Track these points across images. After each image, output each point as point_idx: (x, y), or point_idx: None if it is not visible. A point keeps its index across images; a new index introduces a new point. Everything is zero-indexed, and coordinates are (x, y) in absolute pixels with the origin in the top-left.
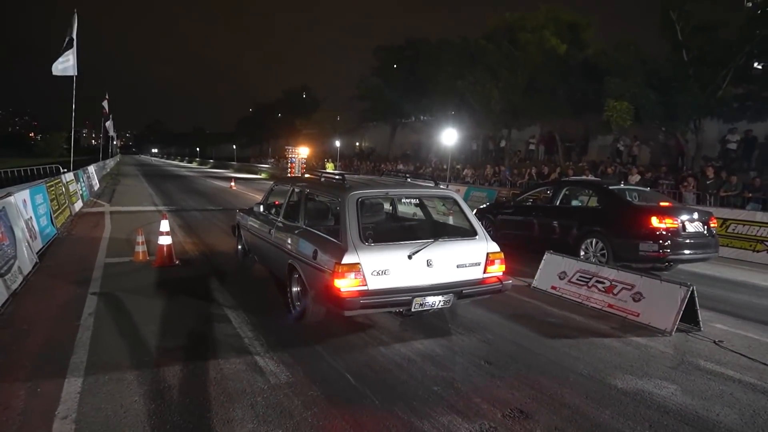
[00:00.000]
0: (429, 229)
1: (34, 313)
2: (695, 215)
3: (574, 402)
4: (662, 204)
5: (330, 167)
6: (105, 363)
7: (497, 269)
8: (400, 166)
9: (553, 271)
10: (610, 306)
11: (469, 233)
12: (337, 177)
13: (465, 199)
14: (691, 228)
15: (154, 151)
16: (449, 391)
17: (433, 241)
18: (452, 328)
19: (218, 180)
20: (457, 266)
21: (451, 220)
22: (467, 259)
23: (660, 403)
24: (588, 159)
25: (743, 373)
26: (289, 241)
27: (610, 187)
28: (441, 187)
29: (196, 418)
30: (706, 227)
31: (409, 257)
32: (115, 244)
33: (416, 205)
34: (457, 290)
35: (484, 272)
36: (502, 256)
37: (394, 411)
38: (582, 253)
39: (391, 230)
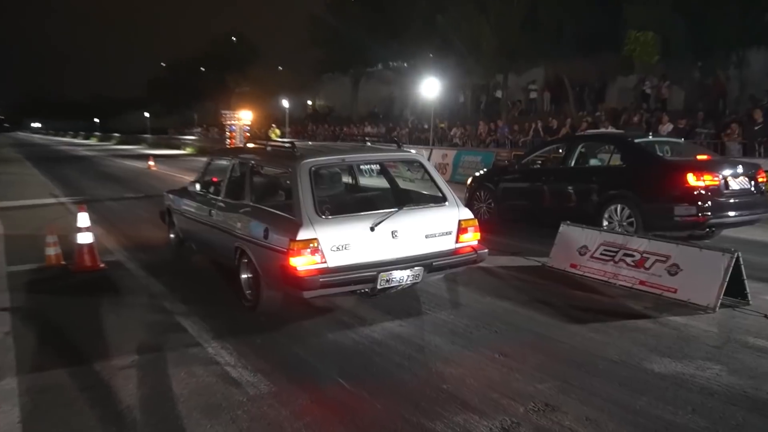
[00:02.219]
0: (394, 198)
1: None
2: (740, 169)
3: (606, 390)
4: (699, 158)
5: (275, 135)
6: (43, 387)
7: (471, 238)
8: (368, 129)
9: (571, 246)
10: (641, 283)
11: (438, 200)
12: (286, 145)
13: (456, 165)
14: (734, 185)
15: (36, 125)
16: (461, 389)
17: (398, 210)
18: (456, 320)
19: (131, 159)
20: (426, 236)
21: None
22: (437, 229)
23: (703, 384)
24: (606, 107)
25: None
26: (235, 222)
27: (636, 141)
28: (405, 149)
29: None
30: (753, 183)
31: (372, 229)
32: (16, 248)
33: (379, 172)
34: (426, 263)
35: (457, 242)
36: (476, 223)
37: (400, 413)
38: (605, 222)
39: (351, 201)
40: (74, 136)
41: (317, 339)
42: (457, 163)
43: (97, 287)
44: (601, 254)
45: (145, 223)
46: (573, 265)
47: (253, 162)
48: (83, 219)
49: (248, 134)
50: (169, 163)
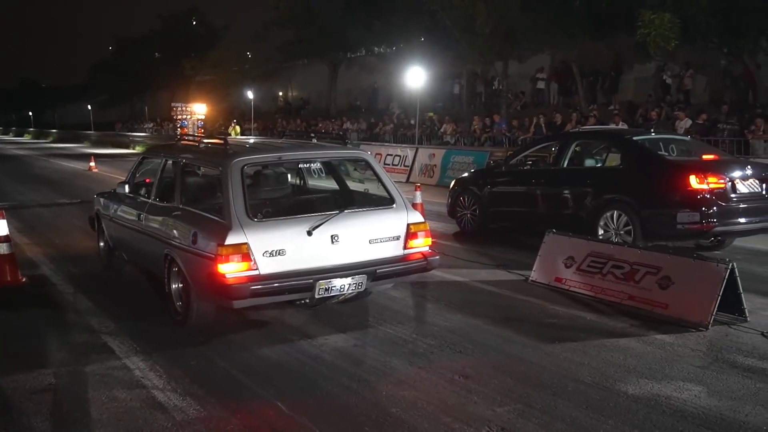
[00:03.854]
0: (338, 201)
1: None
2: (749, 171)
3: (571, 414)
4: (705, 158)
5: (235, 133)
6: None
7: (421, 243)
8: (347, 125)
9: (556, 257)
10: (631, 298)
11: (385, 202)
12: (218, 141)
13: (445, 166)
14: (743, 188)
15: None
16: (411, 412)
17: (338, 213)
18: (418, 339)
19: (70, 159)
20: (370, 242)
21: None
22: (382, 233)
23: (678, 407)
24: (622, 99)
25: None
26: (164, 227)
27: (635, 138)
28: (349, 147)
29: None
30: (765, 186)
31: (309, 233)
32: None
33: (327, 172)
34: (369, 270)
35: (405, 247)
36: (427, 228)
37: None
38: (601, 231)
39: (292, 204)
40: (4, 132)
41: (259, 360)
42: (446, 164)
43: (16, 304)
44: (589, 266)
45: (77, 232)
46: (558, 279)
47: (184, 160)
48: (1, 226)
49: (202, 130)
50: (113, 163)
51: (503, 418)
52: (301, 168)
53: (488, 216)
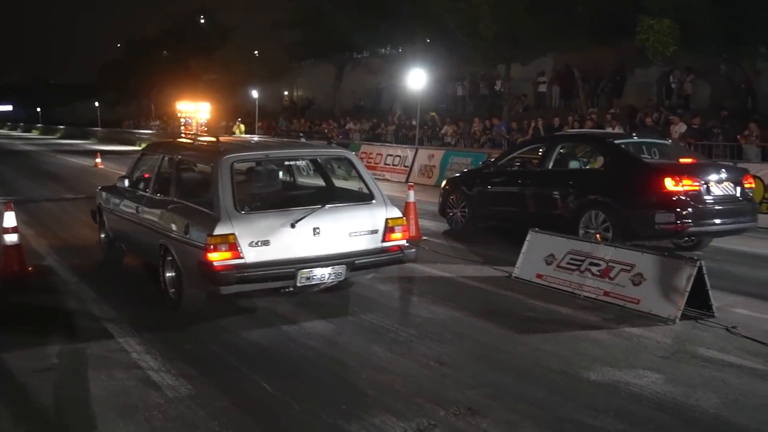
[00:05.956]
0: (323, 196)
1: None
2: (723, 174)
3: (536, 396)
4: (682, 161)
5: (239, 132)
6: None
7: (399, 237)
8: (350, 126)
9: (539, 254)
10: (606, 293)
11: (365, 198)
12: (212, 139)
13: (444, 167)
14: (717, 190)
15: None
16: (386, 394)
17: (320, 207)
18: (400, 329)
19: (76, 156)
20: (350, 235)
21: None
22: (362, 227)
23: (635, 392)
24: (623, 103)
25: (746, 359)
26: (160, 219)
27: (616, 141)
28: (333, 146)
29: None
30: (739, 189)
31: (293, 226)
32: None
33: (314, 170)
34: (348, 261)
35: (384, 240)
36: (404, 223)
37: (318, 416)
38: (581, 231)
39: (278, 199)
40: (12, 128)
41: (249, 344)
42: (445, 165)
43: (24, 293)
44: (568, 263)
45: (81, 225)
46: (539, 276)
47: (179, 157)
48: (9, 218)
49: (205, 128)
50: (119, 160)
51: (472, 399)
52: (291, 166)
53: (477, 215)
